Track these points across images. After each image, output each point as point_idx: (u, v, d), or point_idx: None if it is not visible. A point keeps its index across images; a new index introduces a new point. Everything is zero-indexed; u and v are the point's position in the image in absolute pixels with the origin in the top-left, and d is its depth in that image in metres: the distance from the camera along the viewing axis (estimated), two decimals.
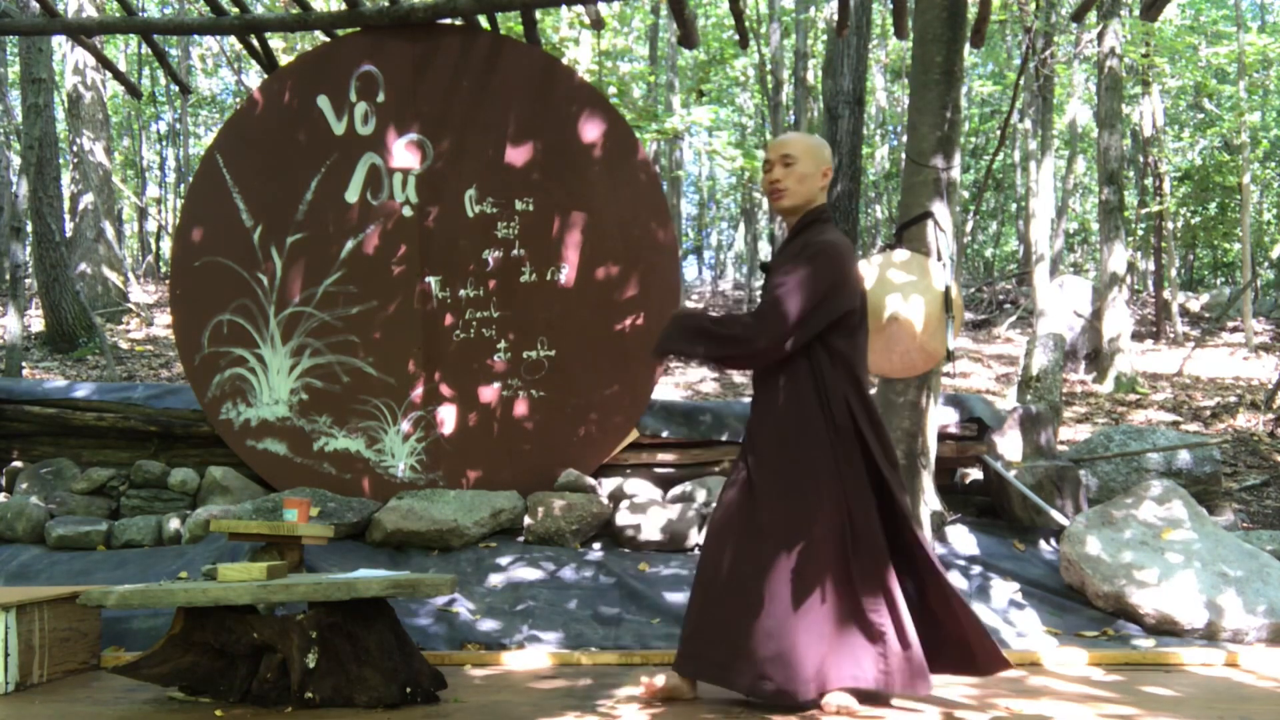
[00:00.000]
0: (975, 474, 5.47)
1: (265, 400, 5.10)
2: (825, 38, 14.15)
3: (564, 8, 10.52)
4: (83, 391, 5.41)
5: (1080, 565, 4.22)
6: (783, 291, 2.85)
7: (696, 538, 4.70)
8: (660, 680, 2.95)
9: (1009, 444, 5.54)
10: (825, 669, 2.74)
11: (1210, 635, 3.90)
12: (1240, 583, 4.00)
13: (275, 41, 11.98)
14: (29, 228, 9.10)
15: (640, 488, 4.99)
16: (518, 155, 5.12)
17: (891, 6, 5.47)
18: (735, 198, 25.54)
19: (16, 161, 10.29)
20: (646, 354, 5.08)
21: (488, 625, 3.94)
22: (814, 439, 2.85)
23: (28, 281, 10.40)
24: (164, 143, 20.78)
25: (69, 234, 11.75)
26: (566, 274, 5.11)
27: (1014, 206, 21.28)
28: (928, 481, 4.74)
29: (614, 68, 13.35)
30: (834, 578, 2.78)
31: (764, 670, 2.74)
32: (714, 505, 3.06)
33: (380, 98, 5.14)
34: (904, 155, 4.97)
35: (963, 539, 4.76)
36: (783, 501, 2.82)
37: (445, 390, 5.08)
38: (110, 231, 12.20)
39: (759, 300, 2.98)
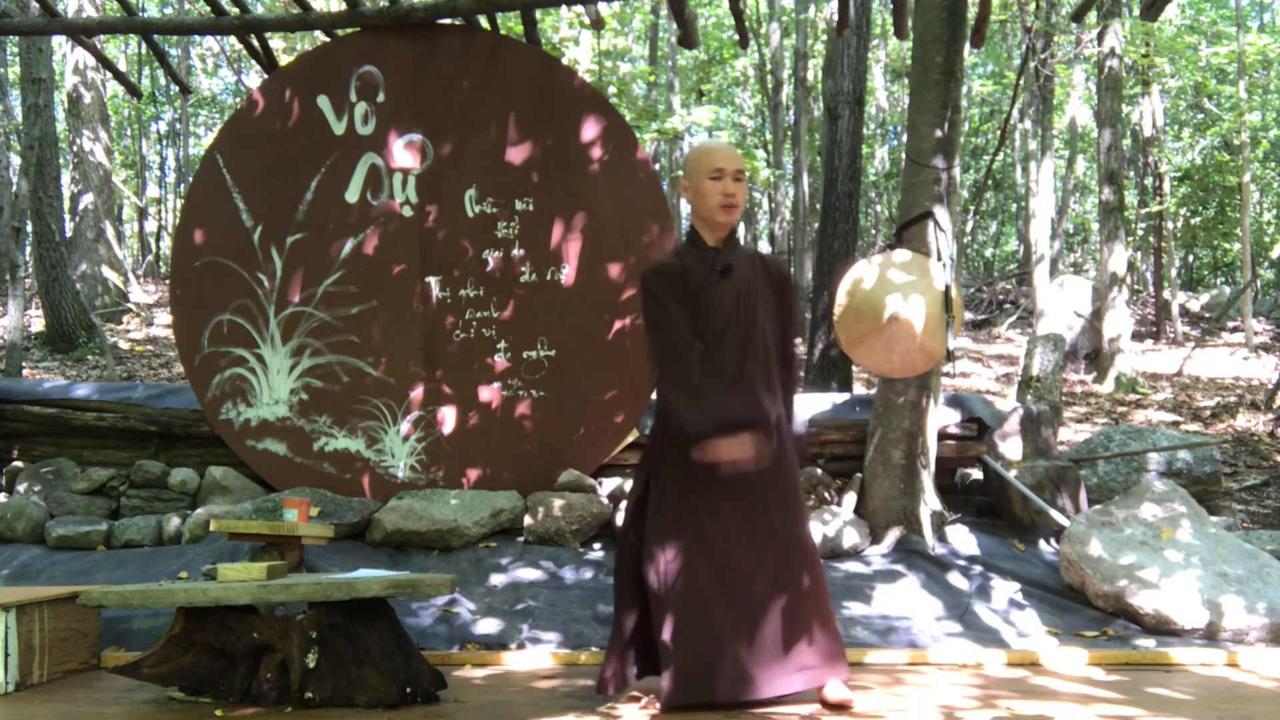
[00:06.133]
0: (975, 474, 5.47)
1: (265, 400, 5.09)
2: (825, 38, 14.15)
3: (564, 8, 10.52)
4: (83, 391, 5.41)
5: (1080, 565, 4.21)
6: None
7: None
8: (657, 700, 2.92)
9: (1009, 444, 5.54)
10: (820, 664, 2.79)
11: (1210, 635, 3.90)
12: (1240, 583, 4.00)
13: (275, 41, 11.98)
14: (29, 228, 9.10)
15: None
16: (518, 155, 5.12)
17: (891, 6, 5.47)
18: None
19: (16, 161, 10.28)
20: (647, 354, 5.08)
21: (488, 625, 3.93)
22: (791, 447, 2.97)
23: (28, 281, 10.40)
24: (164, 143, 20.79)
25: (69, 234, 11.75)
26: (566, 274, 5.11)
27: (1014, 206, 21.29)
28: (928, 481, 4.74)
29: (614, 68, 13.34)
30: (815, 576, 2.88)
31: (767, 670, 2.75)
32: (661, 510, 2.91)
33: (380, 98, 5.14)
34: (904, 155, 4.97)
35: (963, 539, 4.75)
36: (785, 504, 2.85)
37: (445, 390, 5.08)
38: (110, 231, 12.20)
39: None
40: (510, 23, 9.65)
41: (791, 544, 2.84)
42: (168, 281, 8.07)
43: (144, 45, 6.99)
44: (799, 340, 3.14)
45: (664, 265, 3.01)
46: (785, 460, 2.92)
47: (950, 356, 3.78)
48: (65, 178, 11.96)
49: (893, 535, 4.60)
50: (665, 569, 2.83)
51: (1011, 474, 5.12)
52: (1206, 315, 15.16)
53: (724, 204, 2.95)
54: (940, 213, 4.58)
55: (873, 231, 20.67)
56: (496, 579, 4.34)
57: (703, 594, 2.80)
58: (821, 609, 2.87)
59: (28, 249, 10.04)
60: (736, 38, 7.36)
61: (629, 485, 4.98)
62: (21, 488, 5.14)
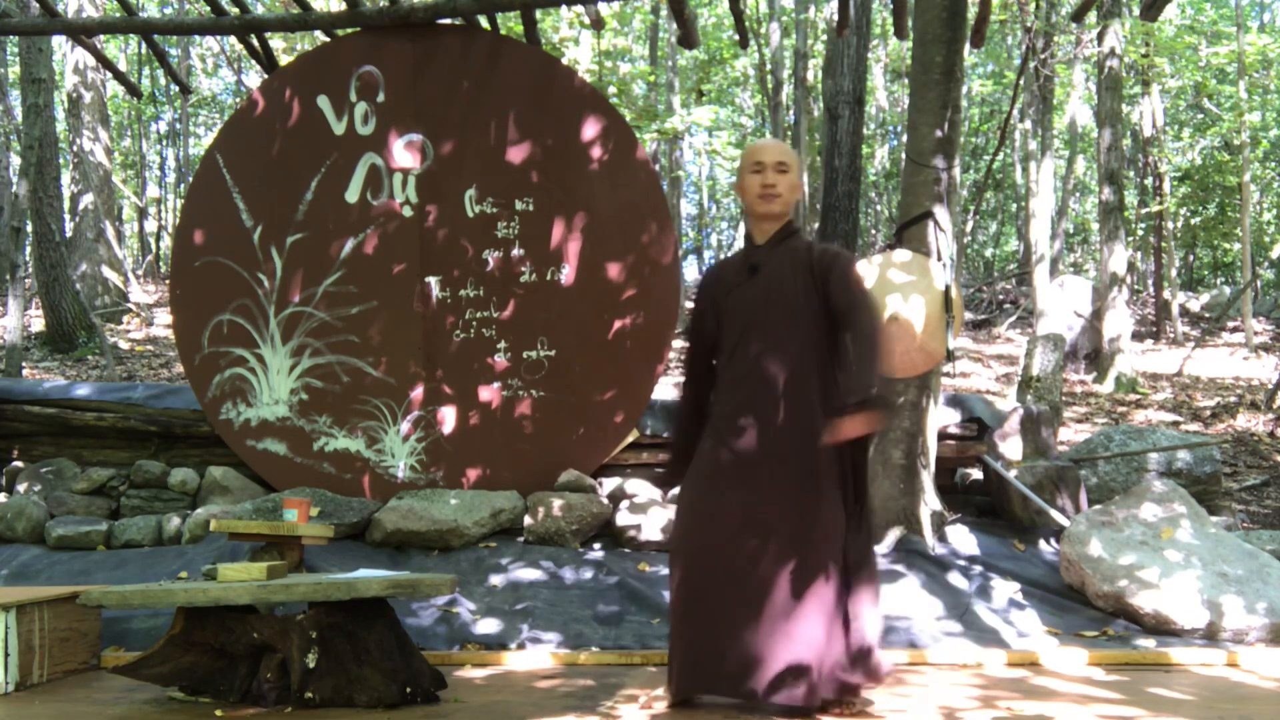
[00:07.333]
0: (975, 474, 5.47)
1: (265, 400, 5.09)
2: (825, 38, 14.15)
3: (564, 8, 10.52)
4: (83, 391, 5.42)
5: (1080, 565, 4.22)
6: (875, 338, 2.86)
7: None
8: (660, 693, 2.93)
9: (1009, 444, 5.54)
10: (828, 672, 2.75)
11: (1210, 635, 3.90)
12: (1240, 583, 4.00)
13: (275, 41, 11.98)
14: (29, 228, 9.10)
15: (640, 488, 4.99)
16: (518, 155, 5.12)
17: (891, 6, 5.47)
18: (735, 198, 25.56)
19: (16, 161, 10.28)
20: (647, 354, 5.09)
21: (488, 625, 3.93)
22: (818, 442, 2.82)
23: (28, 281, 10.40)
24: (164, 143, 20.79)
25: (69, 234, 11.75)
26: (566, 274, 5.11)
27: (1014, 206, 21.29)
28: (928, 481, 4.74)
29: (614, 68, 13.35)
30: (838, 583, 2.78)
31: (771, 675, 2.73)
32: (691, 507, 2.96)
33: (380, 98, 5.14)
34: (904, 155, 4.98)
35: (963, 539, 4.75)
36: (794, 505, 2.81)
37: (445, 390, 5.08)
38: (110, 231, 12.20)
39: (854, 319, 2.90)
40: (510, 23, 9.64)
41: (790, 544, 2.79)
42: (168, 281, 8.07)
43: (144, 45, 6.99)
44: (863, 326, 2.84)
45: (706, 271, 3.22)
46: (803, 459, 2.82)
47: (950, 356, 3.79)
48: (65, 178, 11.95)
49: (893, 535, 4.60)
50: (671, 564, 2.97)
51: (1011, 474, 5.12)
52: (1206, 315, 15.17)
53: (761, 194, 3.03)
54: (940, 213, 4.58)
55: (873, 231, 20.68)
56: (496, 579, 4.34)
57: (700, 589, 2.85)
58: (834, 614, 2.77)
59: (28, 249, 10.04)
60: (736, 38, 7.36)
61: (629, 485, 4.99)
62: (21, 488, 5.14)
